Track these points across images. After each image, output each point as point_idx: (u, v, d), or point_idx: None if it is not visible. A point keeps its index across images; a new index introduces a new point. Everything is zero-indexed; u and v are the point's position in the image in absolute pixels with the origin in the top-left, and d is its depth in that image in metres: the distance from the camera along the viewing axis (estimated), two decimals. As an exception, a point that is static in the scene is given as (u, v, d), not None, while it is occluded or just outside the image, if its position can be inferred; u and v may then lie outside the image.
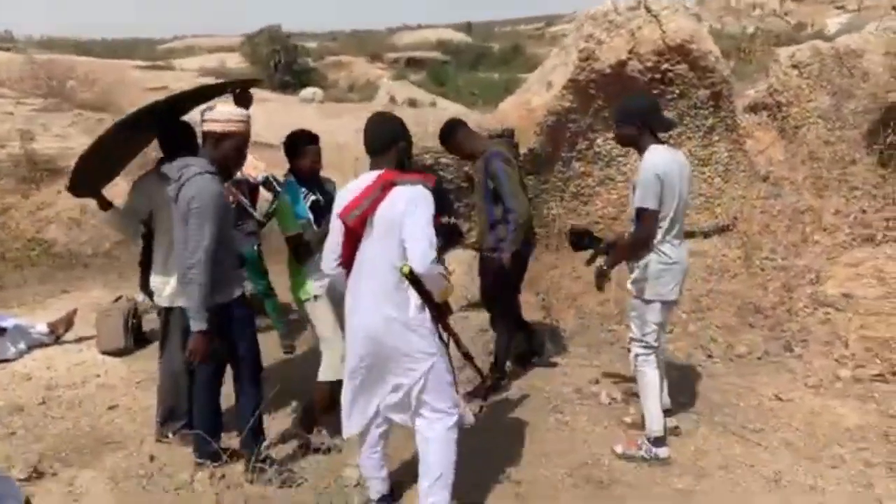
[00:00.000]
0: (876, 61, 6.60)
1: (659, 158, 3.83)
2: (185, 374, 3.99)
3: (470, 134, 4.91)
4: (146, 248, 4.45)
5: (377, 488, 3.49)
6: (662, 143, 3.98)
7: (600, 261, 4.18)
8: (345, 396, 3.34)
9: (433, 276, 3.00)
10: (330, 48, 37.18)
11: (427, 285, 3.03)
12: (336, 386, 4.37)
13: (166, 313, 4.16)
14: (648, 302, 3.97)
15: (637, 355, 4.07)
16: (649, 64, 5.87)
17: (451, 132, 4.87)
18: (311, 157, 4.09)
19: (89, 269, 7.98)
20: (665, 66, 5.90)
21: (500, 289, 4.88)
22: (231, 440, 3.95)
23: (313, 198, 4.06)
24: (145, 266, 4.44)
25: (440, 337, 3.21)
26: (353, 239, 3.17)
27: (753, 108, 7.16)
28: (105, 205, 4.18)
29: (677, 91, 5.99)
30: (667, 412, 4.34)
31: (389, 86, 6.79)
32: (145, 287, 4.53)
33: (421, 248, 2.94)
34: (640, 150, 3.93)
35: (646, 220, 3.84)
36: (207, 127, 3.54)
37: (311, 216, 4.00)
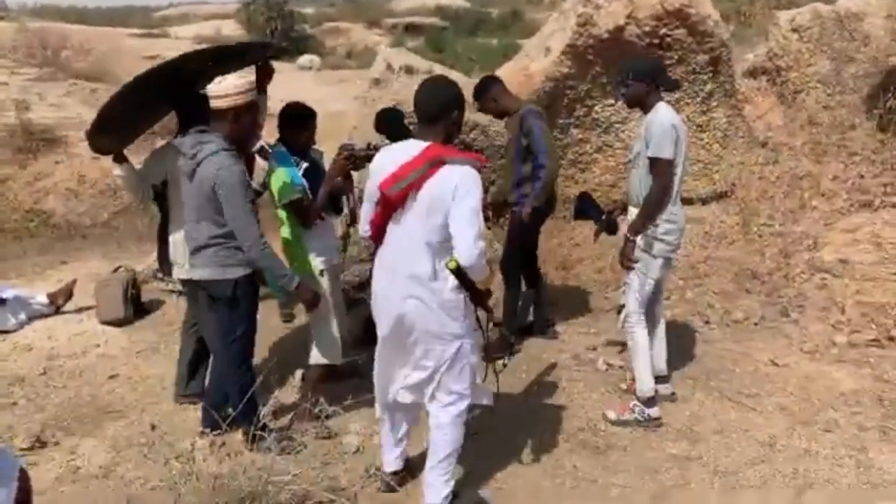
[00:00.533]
0: (877, 24, 6.55)
1: (670, 112, 3.95)
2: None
3: (504, 91, 4.95)
4: (163, 220, 4.46)
5: (389, 464, 3.48)
6: (664, 102, 4.02)
7: (622, 231, 4.18)
8: (376, 369, 3.31)
9: (480, 266, 2.86)
10: (327, 14, 36.74)
11: (471, 275, 2.89)
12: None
13: (191, 286, 3.95)
14: (655, 257, 4.02)
15: (631, 313, 4.10)
16: (647, 29, 5.82)
17: (486, 88, 4.92)
18: (310, 131, 4.09)
19: (88, 240, 7.99)
20: (663, 30, 5.84)
21: (516, 244, 4.99)
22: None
23: (306, 165, 4.05)
24: (163, 239, 4.42)
25: (477, 318, 3.11)
26: (388, 211, 2.99)
27: (752, 73, 7.12)
28: (121, 157, 4.15)
29: (676, 56, 5.95)
30: (664, 378, 4.39)
31: (386, 53, 6.69)
32: (163, 260, 4.55)
33: (468, 240, 2.78)
34: (647, 109, 3.99)
35: (663, 169, 3.88)
36: (215, 103, 3.45)
37: (306, 183, 3.99)
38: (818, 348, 4.97)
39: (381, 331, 3.17)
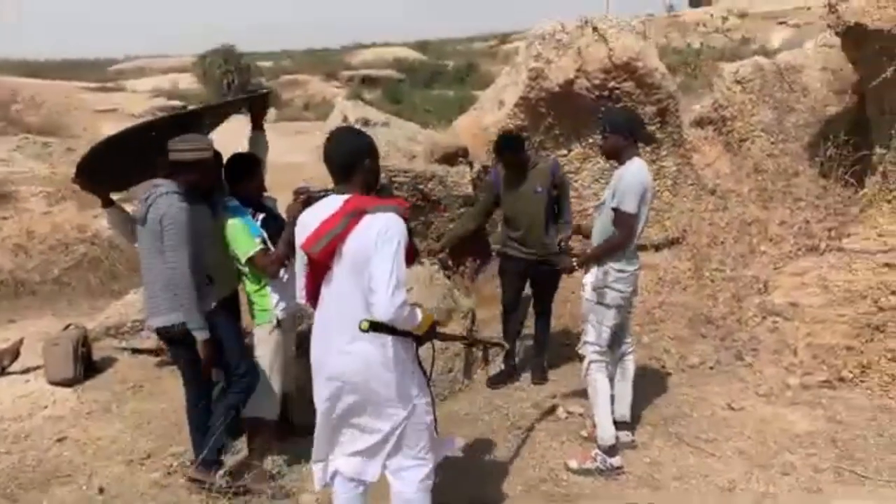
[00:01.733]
0: (814, 76, 6.84)
1: (643, 170, 4.04)
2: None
3: (524, 150, 5.25)
4: None
5: None
6: (639, 157, 4.13)
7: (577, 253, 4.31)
8: (317, 438, 3.05)
9: (402, 318, 2.72)
10: (285, 67, 37.01)
11: (399, 327, 2.78)
12: (283, 401, 4.37)
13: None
14: (609, 306, 4.06)
15: (591, 362, 4.13)
16: (597, 82, 5.99)
17: (519, 144, 5.20)
18: (258, 179, 4.10)
19: (37, 297, 7.79)
20: (612, 83, 6.02)
21: (555, 289, 5.45)
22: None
23: (262, 216, 4.04)
24: None
25: (421, 367, 3.00)
26: (318, 271, 2.87)
27: (699, 123, 7.35)
28: (107, 202, 4.07)
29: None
30: (626, 424, 4.41)
31: (343, 105, 6.78)
32: None
33: (382, 297, 2.64)
34: (622, 161, 4.06)
35: (627, 222, 3.96)
36: (174, 156, 3.65)
37: (264, 234, 3.98)
38: (773, 391, 5.04)
39: (320, 404, 2.94)
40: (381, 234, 2.69)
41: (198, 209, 3.71)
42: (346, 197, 2.83)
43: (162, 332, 3.84)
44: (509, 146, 5.12)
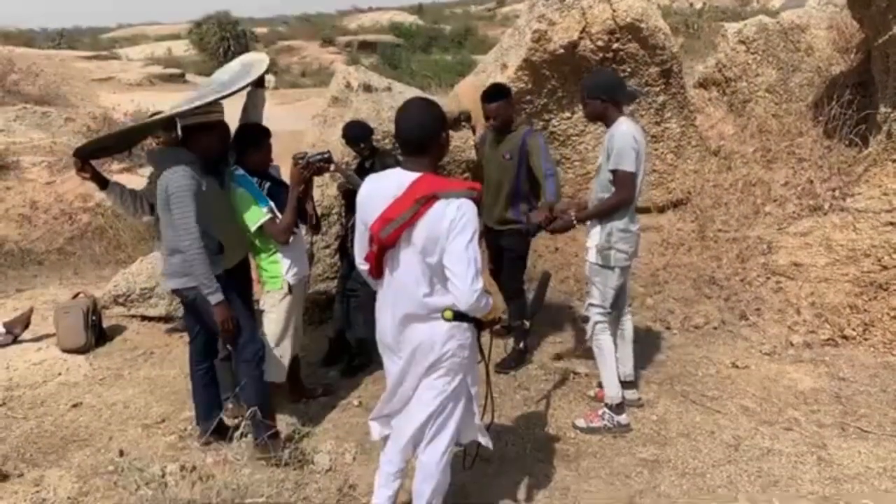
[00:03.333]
0: (819, 35, 6.80)
1: (631, 127, 4.03)
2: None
3: (511, 105, 4.90)
4: None
5: (380, 499, 3.23)
6: (625, 116, 4.12)
7: (572, 212, 4.25)
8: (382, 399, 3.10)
9: (480, 306, 2.71)
10: (280, 33, 36.67)
11: (473, 315, 2.79)
12: (294, 365, 4.44)
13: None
14: (612, 268, 4.10)
15: (596, 323, 4.18)
16: (601, 43, 5.95)
17: (505, 93, 4.84)
18: (267, 151, 4.11)
19: (43, 267, 7.83)
20: (616, 45, 5.98)
21: (521, 263, 5.08)
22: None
23: (268, 184, 4.06)
24: None
25: (480, 349, 3.01)
26: (383, 251, 2.80)
27: (703, 84, 7.33)
28: (102, 182, 4.07)
29: (629, 69, 6.09)
30: (631, 384, 4.48)
31: (345, 70, 6.74)
32: None
33: (465, 284, 2.62)
34: (608, 123, 4.07)
35: (626, 181, 3.96)
36: (183, 122, 3.68)
37: (272, 203, 4.00)
38: (776, 349, 5.11)
39: (387, 364, 3.01)
40: (455, 221, 2.61)
41: (207, 179, 3.71)
42: (415, 176, 2.71)
43: (176, 294, 3.93)
44: (485, 93, 4.83)
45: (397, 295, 2.83)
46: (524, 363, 5.11)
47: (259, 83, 4.36)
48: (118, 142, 4.18)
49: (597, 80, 4.23)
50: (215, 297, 3.63)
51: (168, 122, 4.13)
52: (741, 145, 6.62)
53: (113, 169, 9.00)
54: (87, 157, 3.98)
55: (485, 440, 3.18)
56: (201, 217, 3.59)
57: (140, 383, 5.00)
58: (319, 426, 4.35)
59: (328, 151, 4.19)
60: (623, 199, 4.00)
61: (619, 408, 4.18)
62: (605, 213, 4.05)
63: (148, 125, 4.38)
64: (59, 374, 5.10)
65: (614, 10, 5.92)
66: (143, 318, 5.99)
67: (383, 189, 2.75)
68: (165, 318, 5.94)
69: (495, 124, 4.81)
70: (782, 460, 3.84)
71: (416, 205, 2.64)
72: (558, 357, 5.22)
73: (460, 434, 3.06)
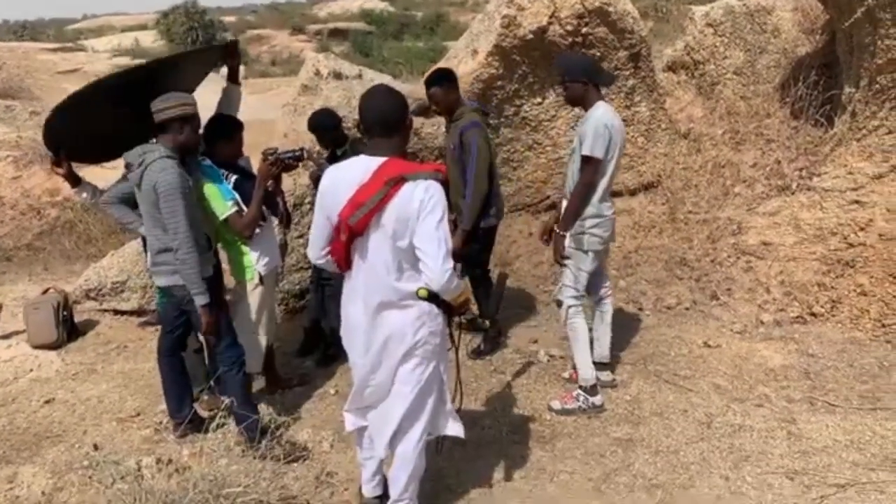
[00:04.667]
0: (785, 17, 6.87)
1: (607, 112, 4.04)
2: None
3: (454, 90, 4.82)
4: None
5: (367, 490, 3.32)
6: (604, 99, 4.14)
7: (551, 221, 4.27)
8: (352, 391, 3.10)
9: (451, 287, 2.73)
10: (249, 22, 36.27)
11: (443, 296, 2.79)
12: (269, 355, 4.44)
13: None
14: (586, 251, 4.14)
15: (570, 306, 4.22)
16: (570, 28, 5.96)
17: (444, 78, 4.80)
18: (237, 143, 4.09)
19: (12, 263, 7.72)
20: (585, 29, 5.99)
21: (480, 247, 5.01)
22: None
23: (235, 177, 4.03)
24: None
25: (451, 335, 3.04)
26: (352, 238, 2.78)
27: (672, 68, 7.38)
28: (74, 181, 4.03)
29: (598, 53, 6.10)
30: (606, 365, 4.53)
31: (314, 58, 6.69)
32: None
33: (436, 263, 2.64)
34: (586, 106, 4.08)
35: (592, 167, 3.99)
36: (159, 116, 3.60)
37: (237, 196, 3.97)
38: (747, 328, 5.19)
39: (354, 357, 2.98)
40: (424, 202, 2.63)
41: (181, 171, 3.67)
42: (381, 160, 2.72)
43: (165, 292, 3.92)
44: (425, 79, 4.75)
45: (368, 283, 2.81)
46: (498, 348, 5.14)
47: (234, 79, 4.33)
48: (92, 130, 3.87)
49: (574, 62, 4.24)
50: (202, 299, 3.62)
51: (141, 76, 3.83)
52: (710, 128, 6.68)
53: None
54: (68, 156, 3.92)
55: (456, 429, 3.16)
56: (189, 211, 3.58)
57: (114, 377, 4.96)
58: (296, 415, 4.35)
59: (301, 149, 4.18)
60: (585, 184, 4.02)
61: (593, 389, 4.23)
62: (578, 208, 4.07)
63: (111, 78, 3.97)
64: (31, 370, 5.05)
65: (583, -6, 5.93)
66: (116, 312, 5.94)
67: (348, 177, 2.75)
68: (138, 312, 5.90)
69: (436, 110, 4.81)
70: (753, 436, 3.92)
71: (384, 188, 2.64)
72: (533, 341, 5.26)
73: (432, 424, 3.06)
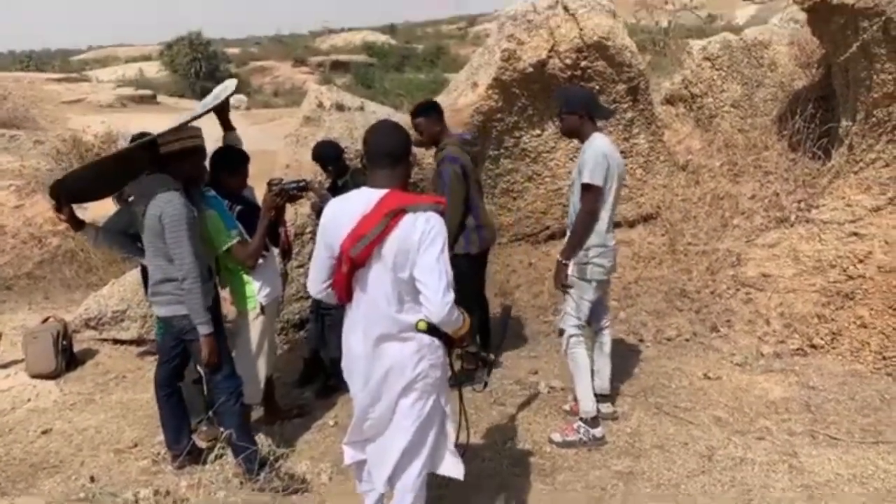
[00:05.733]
0: (781, 51, 6.96)
1: (605, 142, 4.11)
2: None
3: (438, 122, 4.85)
4: None
5: None
6: (601, 131, 4.20)
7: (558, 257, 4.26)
8: (352, 424, 3.05)
9: (452, 319, 2.72)
10: (253, 54, 36.66)
11: (443, 329, 2.78)
12: (268, 386, 4.42)
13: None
14: (588, 281, 4.15)
15: (571, 336, 4.21)
16: (569, 61, 6.04)
17: (430, 109, 4.87)
18: (242, 175, 4.13)
19: (12, 292, 7.71)
20: (584, 63, 6.07)
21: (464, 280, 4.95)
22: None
23: (239, 208, 4.07)
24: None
25: (451, 369, 3.02)
26: (353, 270, 2.77)
27: (670, 100, 7.45)
28: (77, 224, 4.01)
29: (597, 87, 6.17)
30: (606, 397, 4.51)
31: (317, 90, 6.77)
32: None
33: (436, 295, 2.63)
34: (583, 138, 4.14)
35: (592, 195, 4.02)
36: (164, 149, 3.64)
37: (240, 226, 4.00)
38: (747, 360, 5.18)
39: (354, 389, 2.95)
40: (425, 234, 2.65)
41: (186, 202, 3.70)
42: (382, 192, 2.73)
43: (165, 322, 3.90)
44: (413, 109, 4.84)
45: (369, 315, 2.80)
46: (491, 369, 5.05)
47: (227, 126, 4.38)
48: (97, 182, 3.95)
49: (573, 95, 4.32)
50: (206, 328, 3.63)
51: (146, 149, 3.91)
52: (708, 159, 6.73)
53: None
54: (69, 200, 3.95)
55: (455, 470, 3.07)
56: (193, 242, 3.60)
57: (112, 408, 4.94)
58: (295, 447, 4.33)
59: (304, 180, 4.22)
60: (587, 213, 4.05)
61: (594, 421, 4.21)
62: (581, 238, 4.09)
63: (124, 152, 4.07)
64: (29, 400, 5.03)
65: (581, 29, 6.02)
66: (115, 341, 5.93)
67: (350, 208, 2.76)
68: (137, 342, 5.89)
69: (418, 139, 4.83)
70: (755, 469, 3.89)
71: (385, 219, 2.65)
72: (534, 372, 5.25)
73: (433, 459, 3.00)
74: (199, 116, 3.92)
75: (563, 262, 4.11)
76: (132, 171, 3.78)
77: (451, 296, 2.67)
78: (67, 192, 3.86)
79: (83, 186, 3.94)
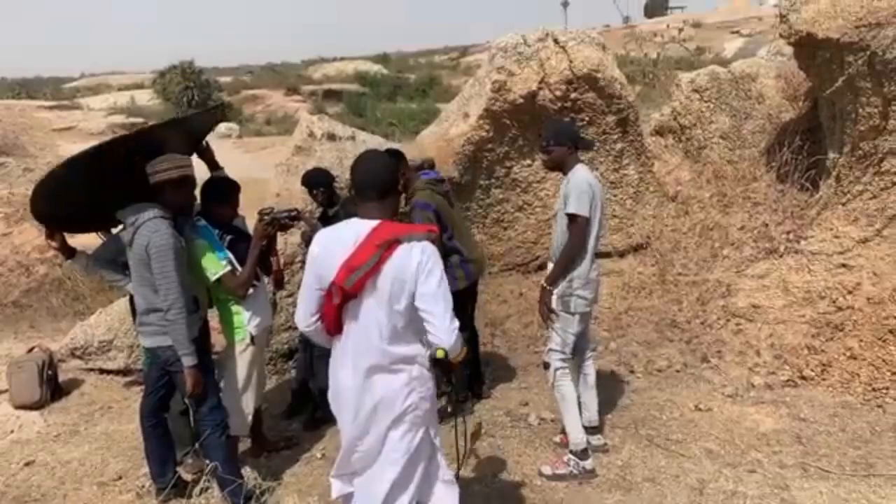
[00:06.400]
0: (769, 84, 7.05)
1: (588, 173, 4.16)
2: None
3: (403, 169, 4.77)
4: None
5: None
6: (582, 163, 4.23)
7: (542, 282, 4.27)
8: (339, 457, 3.00)
9: (458, 346, 2.71)
10: (245, 82, 36.84)
11: (452, 355, 2.74)
12: (256, 418, 4.37)
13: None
14: (572, 313, 4.14)
15: (557, 369, 4.20)
16: (559, 93, 6.09)
17: (393, 156, 4.73)
18: (233, 205, 4.12)
19: (-3, 320, 7.63)
20: (574, 94, 6.13)
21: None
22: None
23: (230, 238, 4.05)
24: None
25: (449, 396, 3.02)
26: (346, 301, 2.74)
27: (659, 132, 7.52)
28: (68, 252, 4.01)
29: (587, 118, 6.23)
30: (595, 429, 4.48)
31: (308, 119, 6.80)
32: None
33: (444, 323, 2.64)
34: (566, 171, 4.17)
35: (579, 226, 4.04)
36: (154, 178, 3.60)
37: (231, 255, 3.98)
38: (738, 391, 5.16)
39: (343, 421, 2.91)
40: (422, 264, 2.65)
41: (174, 232, 3.67)
42: (373, 223, 2.72)
43: (151, 353, 3.86)
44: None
45: (358, 346, 2.78)
46: (463, 389, 5.05)
47: (214, 167, 4.36)
48: (77, 206, 3.82)
49: (562, 128, 4.41)
50: (190, 360, 3.60)
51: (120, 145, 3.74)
52: (698, 190, 6.78)
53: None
54: (58, 226, 3.91)
55: (451, 499, 3.03)
56: (180, 273, 3.58)
57: (97, 439, 4.87)
58: (282, 480, 4.27)
59: (296, 209, 4.22)
60: (574, 245, 4.06)
61: (583, 453, 4.18)
62: (566, 266, 4.10)
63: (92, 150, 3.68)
64: (12, 431, 4.96)
65: (571, 61, 6.08)
66: (102, 371, 5.87)
67: (341, 240, 2.74)
68: (124, 371, 5.83)
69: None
70: (746, 503, 3.86)
71: (379, 250, 2.64)
72: (524, 403, 5.21)
73: (421, 492, 2.96)
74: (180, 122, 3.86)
75: (548, 287, 4.12)
76: (114, 180, 3.60)
77: (457, 322, 2.68)
78: (52, 216, 3.85)
79: (71, 204, 3.82)
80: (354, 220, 2.79)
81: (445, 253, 4.71)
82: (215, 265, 3.87)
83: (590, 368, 4.50)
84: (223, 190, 4.09)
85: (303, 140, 6.63)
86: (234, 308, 4.04)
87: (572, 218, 4.05)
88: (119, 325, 5.86)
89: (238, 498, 3.66)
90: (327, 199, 4.97)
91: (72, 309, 7.72)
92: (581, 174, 4.10)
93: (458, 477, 3.14)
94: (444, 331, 2.66)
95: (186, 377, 3.62)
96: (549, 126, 4.55)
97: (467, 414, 4.98)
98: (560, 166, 4.23)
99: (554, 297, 4.14)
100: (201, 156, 4.30)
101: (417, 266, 2.64)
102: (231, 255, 3.97)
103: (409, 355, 2.77)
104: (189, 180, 3.75)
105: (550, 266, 4.24)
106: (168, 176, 3.62)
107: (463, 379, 5.10)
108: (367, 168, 2.82)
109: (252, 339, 4.04)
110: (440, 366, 2.82)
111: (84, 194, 3.71)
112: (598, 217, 4.14)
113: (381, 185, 2.80)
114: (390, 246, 2.65)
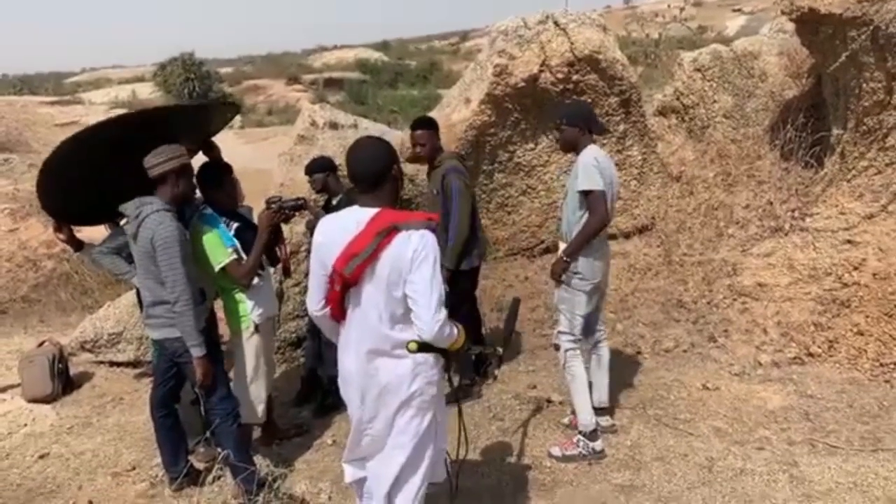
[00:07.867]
0: (771, 62, 7.01)
1: (597, 151, 4.16)
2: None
3: (438, 136, 4.97)
4: None
5: None
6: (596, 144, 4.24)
7: (560, 253, 4.28)
8: (349, 441, 3.02)
9: (444, 336, 2.73)
10: (246, 73, 36.78)
11: (437, 346, 2.77)
12: (267, 406, 4.40)
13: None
14: (576, 293, 4.15)
15: (566, 350, 4.21)
16: (560, 75, 6.07)
17: (431, 123, 4.96)
18: (230, 187, 4.12)
19: (7, 316, 7.70)
20: (576, 76, 6.11)
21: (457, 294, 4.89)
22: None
23: (237, 225, 4.05)
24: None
25: (450, 382, 3.04)
26: (346, 289, 2.77)
27: (662, 112, 7.50)
28: (76, 244, 4.04)
29: (589, 100, 6.21)
30: (605, 410, 4.50)
31: (311, 108, 6.81)
32: None
33: (427, 314, 2.65)
34: (578, 150, 4.17)
35: (597, 198, 4.03)
36: (153, 172, 3.58)
37: (237, 243, 3.99)
38: (745, 370, 5.17)
39: (351, 407, 2.92)
40: (417, 251, 2.64)
41: (178, 224, 3.67)
42: (373, 211, 2.73)
43: (159, 345, 3.89)
44: (413, 122, 4.97)
45: (361, 331, 2.80)
46: (501, 361, 5.04)
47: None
48: (84, 186, 3.79)
49: (574, 109, 4.42)
50: (199, 351, 3.61)
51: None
52: (702, 170, 6.76)
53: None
54: (67, 221, 3.94)
55: (440, 476, 3.10)
56: (185, 264, 3.58)
57: (109, 430, 4.92)
58: (293, 467, 4.31)
59: (302, 198, 4.23)
60: (598, 218, 4.05)
61: (593, 434, 4.20)
62: (588, 239, 4.09)
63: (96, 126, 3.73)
64: (25, 424, 5.00)
65: (572, 43, 6.06)
66: (112, 363, 5.91)
67: (342, 228, 2.75)
68: (134, 363, 5.87)
69: (419, 152, 4.89)
70: (755, 479, 3.88)
71: (377, 238, 2.65)
72: (532, 386, 5.23)
73: (432, 472, 3.01)
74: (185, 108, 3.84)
75: (565, 258, 4.12)
76: (126, 159, 3.60)
77: (444, 313, 2.68)
78: (60, 205, 3.87)
79: (74, 199, 3.86)
80: (355, 208, 2.80)
81: (473, 228, 4.80)
82: (221, 252, 3.88)
83: (603, 350, 4.51)
84: (213, 175, 4.08)
85: (305, 129, 6.63)
86: (238, 297, 4.05)
87: (587, 193, 4.04)
88: (128, 317, 5.89)
89: (251, 485, 3.69)
90: (331, 186, 4.98)
91: (80, 303, 7.77)
92: (589, 152, 4.10)
93: (461, 463, 3.16)
94: (427, 321, 2.65)
95: (196, 367, 3.64)
96: (565, 106, 4.59)
97: (474, 398, 5.02)
98: (573, 147, 4.23)
99: (569, 263, 4.11)
100: (207, 154, 4.30)
101: (414, 253, 2.64)
102: (237, 243, 3.98)
103: (412, 338, 2.78)
104: (188, 168, 3.74)
105: (562, 246, 4.24)
106: (170, 167, 3.60)
107: (469, 363, 5.12)
108: (357, 158, 2.81)
109: (256, 327, 4.05)
110: (430, 351, 2.80)
111: (90, 175, 3.71)
112: (609, 197, 4.12)
113: (372, 175, 2.78)
114: (389, 233, 2.66)
